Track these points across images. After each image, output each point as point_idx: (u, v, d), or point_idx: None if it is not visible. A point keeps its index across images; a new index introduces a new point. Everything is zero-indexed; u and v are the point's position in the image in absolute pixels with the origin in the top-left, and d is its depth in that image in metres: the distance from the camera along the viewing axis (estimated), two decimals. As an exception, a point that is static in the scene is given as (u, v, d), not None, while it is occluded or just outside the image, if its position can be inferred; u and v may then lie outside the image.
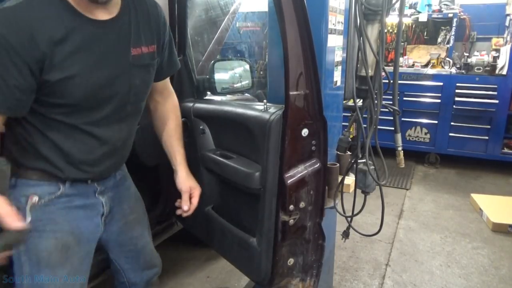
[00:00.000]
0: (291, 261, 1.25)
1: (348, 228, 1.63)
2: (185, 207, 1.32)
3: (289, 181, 1.13)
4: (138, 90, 1.16)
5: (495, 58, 4.09)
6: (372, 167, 1.44)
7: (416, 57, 4.73)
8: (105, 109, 1.09)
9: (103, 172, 1.18)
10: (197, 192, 1.36)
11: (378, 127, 1.38)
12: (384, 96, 1.37)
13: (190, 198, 1.35)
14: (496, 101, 4.02)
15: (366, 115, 1.41)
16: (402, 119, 4.35)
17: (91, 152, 1.12)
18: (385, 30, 1.35)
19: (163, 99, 1.36)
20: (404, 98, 4.35)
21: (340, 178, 1.55)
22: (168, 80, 1.36)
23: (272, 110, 1.18)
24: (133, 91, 1.14)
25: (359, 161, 1.46)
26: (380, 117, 1.37)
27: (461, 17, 4.50)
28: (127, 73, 1.09)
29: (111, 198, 1.24)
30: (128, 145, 1.25)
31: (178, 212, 1.35)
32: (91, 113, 1.07)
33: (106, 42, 1.04)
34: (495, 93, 4.02)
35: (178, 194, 1.73)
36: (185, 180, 1.35)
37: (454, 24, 4.43)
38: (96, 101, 1.07)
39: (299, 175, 1.16)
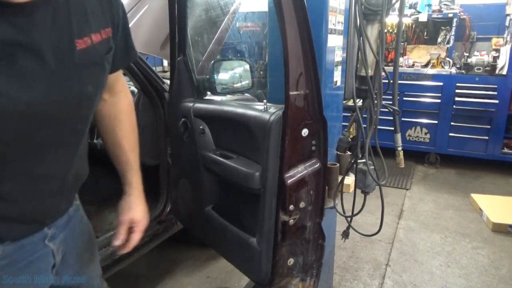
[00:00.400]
0: (291, 261, 1.25)
1: (348, 228, 1.63)
2: (117, 242, 1.01)
3: (289, 181, 1.13)
4: (92, 101, 0.85)
5: (495, 58, 4.10)
6: (372, 167, 1.44)
7: (416, 57, 4.73)
8: (47, 139, 0.77)
9: (54, 215, 0.90)
10: (140, 227, 1.05)
11: (378, 127, 1.38)
12: (384, 96, 1.37)
13: (131, 232, 1.05)
14: (496, 101, 4.02)
15: (366, 115, 1.41)
16: (402, 119, 4.36)
17: (34, 197, 0.81)
18: (385, 30, 1.36)
19: (112, 97, 1.01)
20: (404, 98, 4.35)
21: (340, 178, 1.55)
22: (120, 72, 1.02)
23: (272, 110, 1.18)
24: (86, 104, 0.83)
25: (359, 161, 1.46)
26: (380, 117, 1.37)
27: (461, 17, 4.51)
28: (73, 79, 0.75)
29: (63, 240, 0.93)
30: (84, 169, 0.95)
31: (115, 243, 1.04)
32: (27, 148, 0.75)
33: (34, 37, 0.67)
34: (495, 93, 4.02)
35: (178, 195, 1.73)
36: (129, 208, 1.04)
37: (454, 24, 4.44)
38: (33, 130, 0.74)
39: (299, 175, 1.16)
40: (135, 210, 1.06)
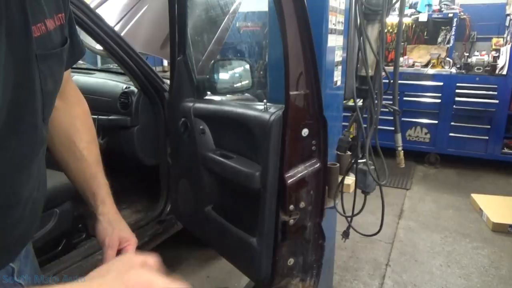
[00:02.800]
0: (291, 261, 1.25)
1: (348, 228, 1.63)
2: None
3: (289, 181, 1.13)
4: (52, 99, 0.72)
5: (495, 58, 4.10)
6: (372, 167, 1.44)
7: (416, 57, 4.73)
8: (8, 149, 0.62)
9: (22, 241, 0.74)
10: (133, 244, 0.89)
11: (378, 127, 1.38)
12: (384, 96, 1.37)
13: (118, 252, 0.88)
14: (496, 101, 4.02)
15: (366, 115, 1.41)
16: (402, 119, 4.35)
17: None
18: (385, 30, 1.36)
19: (64, 103, 0.85)
20: (404, 98, 4.35)
21: (340, 178, 1.55)
22: (69, 73, 0.87)
23: (272, 110, 1.18)
24: (48, 103, 0.69)
25: (359, 161, 1.46)
26: (380, 117, 1.37)
27: (461, 17, 4.50)
28: (33, 73, 0.63)
29: (31, 276, 0.78)
30: (44, 186, 0.79)
31: None
32: None
33: None
34: (495, 93, 4.02)
35: (178, 195, 1.73)
36: (113, 228, 0.88)
37: (454, 24, 4.43)
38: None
39: (299, 175, 1.16)
40: (120, 229, 0.89)
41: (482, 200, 3.39)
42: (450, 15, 4.44)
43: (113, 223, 0.89)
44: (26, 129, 0.65)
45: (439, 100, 4.29)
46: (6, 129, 0.59)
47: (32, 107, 0.65)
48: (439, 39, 4.72)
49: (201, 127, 1.50)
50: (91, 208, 0.90)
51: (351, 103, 1.64)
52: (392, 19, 4.03)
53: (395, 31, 3.48)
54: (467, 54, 4.51)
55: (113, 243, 0.86)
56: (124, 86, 2.15)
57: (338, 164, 1.56)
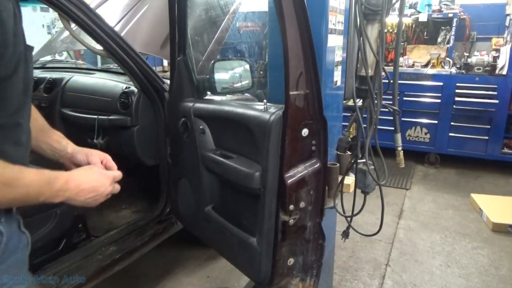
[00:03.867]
0: (291, 261, 1.25)
1: (348, 228, 1.63)
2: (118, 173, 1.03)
3: (289, 181, 1.13)
4: (32, 81, 0.95)
5: (495, 58, 4.10)
6: (372, 167, 1.44)
7: (416, 57, 4.73)
8: (27, 109, 0.87)
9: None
10: (109, 157, 1.07)
11: (378, 127, 1.38)
12: (384, 96, 1.37)
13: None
14: (496, 101, 4.02)
15: (366, 115, 1.41)
16: (402, 119, 4.35)
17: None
18: (385, 30, 1.36)
19: None
20: (404, 98, 4.35)
21: (340, 178, 1.55)
22: None
23: (272, 110, 1.18)
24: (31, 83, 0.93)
25: (359, 161, 1.46)
26: (380, 117, 1.37)
27: (461, 17, 4.51)
28: (27, 57, 0.86)
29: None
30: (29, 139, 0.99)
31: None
32: (20, 116, 0.84)
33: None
34: (495, 93, 4.02)
35: (178, 195, 1.73)
36: (88, 150, 1.07)
37: (454, 24, 4.44)
38: (27, 99, 0.86)
39: (299, 175, 1.16)
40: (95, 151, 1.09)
41: (482, 200, 3.39)
42: (450, 15, 4.44)
43: (85, 149, 1.07)
44: (30, 95, 0.88)
45: (439, 100, 4.29)
46: (25, 93, 0.83)
47: (31, 79, 0.88)
48: (439, 39, 4.72)
49: (201, 127, 1.50)
50: (60, 152, 1.05)
51: (351, 103, 1.64)
52: (392, 19, 4.03)
53: (395, 31, 3.48)
54: (467, 54, 4.51)
55: (95, 153, 1.06)
56: (124, 86, 2.15)
57: (338, 164, 1.56)
